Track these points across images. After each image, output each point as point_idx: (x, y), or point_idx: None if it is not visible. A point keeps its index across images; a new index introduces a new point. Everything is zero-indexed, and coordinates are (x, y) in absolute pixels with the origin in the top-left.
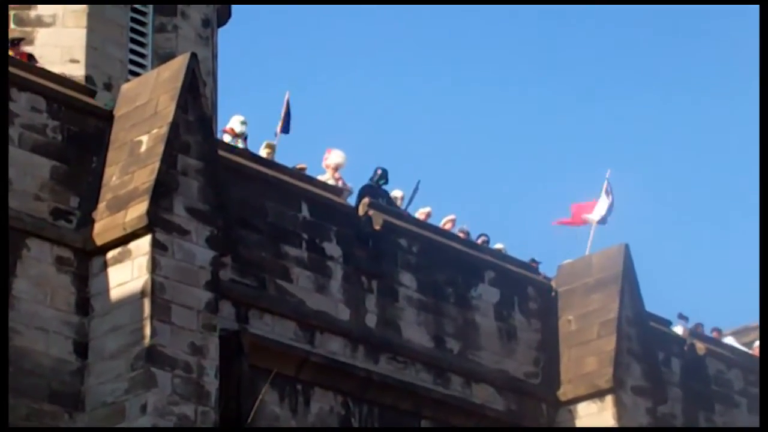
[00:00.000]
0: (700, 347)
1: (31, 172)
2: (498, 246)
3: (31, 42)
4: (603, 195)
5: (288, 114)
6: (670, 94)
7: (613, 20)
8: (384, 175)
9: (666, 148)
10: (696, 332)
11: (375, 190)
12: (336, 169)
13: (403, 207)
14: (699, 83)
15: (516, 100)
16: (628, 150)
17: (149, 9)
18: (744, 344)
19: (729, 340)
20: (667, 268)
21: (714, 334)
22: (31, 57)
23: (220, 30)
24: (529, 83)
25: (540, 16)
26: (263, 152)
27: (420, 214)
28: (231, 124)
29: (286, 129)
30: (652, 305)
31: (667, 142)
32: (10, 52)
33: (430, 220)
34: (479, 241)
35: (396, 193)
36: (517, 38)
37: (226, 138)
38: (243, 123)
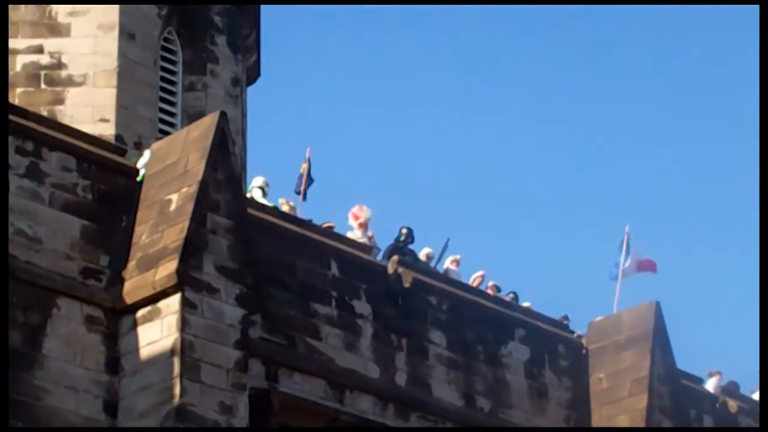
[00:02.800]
0: (732, 405)
1: (61, 231)
2: (525, 304)
3: (62, 101)
4: (623, 250)
5: (309, 175)
6: (690, 145)
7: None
8: (409, 235)
9: (695, 202)
10: (728, 389)
11: (401, 249)
12: (365, 224)
13: (432, 265)
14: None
15: (540, 154)
16: (658, 204)
17: (179, 68)
18: None
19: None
20: (698, 325)
21: None
22: None
23: (249, 89)
24: (556, 138)
25: (557, 71)
26: (283, 209)
27: (451, 262)
28: (257, 184)
29: (304, 194)
30: (683, 363)
31: (696, 196)
32: None
33: (460, 267)
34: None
35: (426, 250)
36: (540, 93)
37: (257, 193)
38: (266, 184)
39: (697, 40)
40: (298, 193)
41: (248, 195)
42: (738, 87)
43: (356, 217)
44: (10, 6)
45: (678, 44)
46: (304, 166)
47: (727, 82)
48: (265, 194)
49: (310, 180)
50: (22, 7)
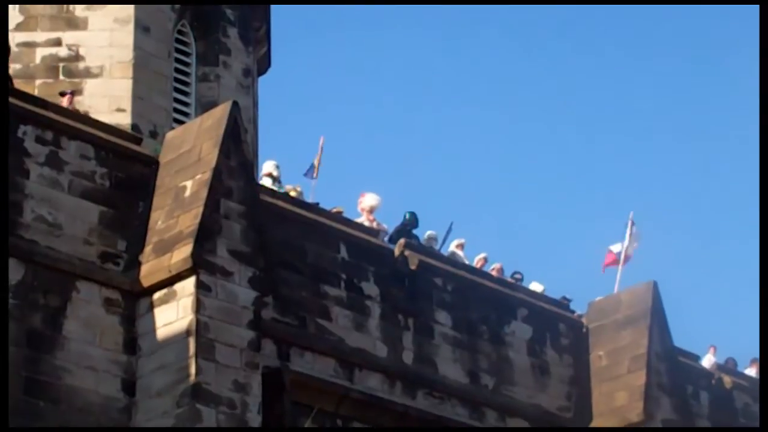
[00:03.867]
0: (728, 381)
1: (80, 217)
2: (538, 287)
3: (79, 92)
4: (627, 236)
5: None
6: (687, 140)
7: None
8: (413, 219)
9: (690, 186)
10: (724, 366)
11: (407, 234)
12: (371, 211)
13: (436, 248)
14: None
15: (544, 139)
16: (655, 188)
17: (192, 60)
18: None
19: (749, 373)
20: (694, 304)
21: (754, 366)
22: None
23: (260, 79)
24: (559, 126)
25: (559, 64)
26: (292, 195)
27: (456, 246)
28: (267, 169)
29: (311, 174)
30: (680, 340)
31: (694, 178)
32: (64, 101)
33: (464, 251)
34: (512, 279)
35: (430, 233)
36: (545, 86)
37: (267, 181)
38: (277, 167)
39: (698, 40)
40: (312, 178)
41: (261, 177)
42: (737, 87)
43: (359, 203)
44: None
45: (678, 44)
46: (318, 155)
47: (726, 81)
48: (275, 179)
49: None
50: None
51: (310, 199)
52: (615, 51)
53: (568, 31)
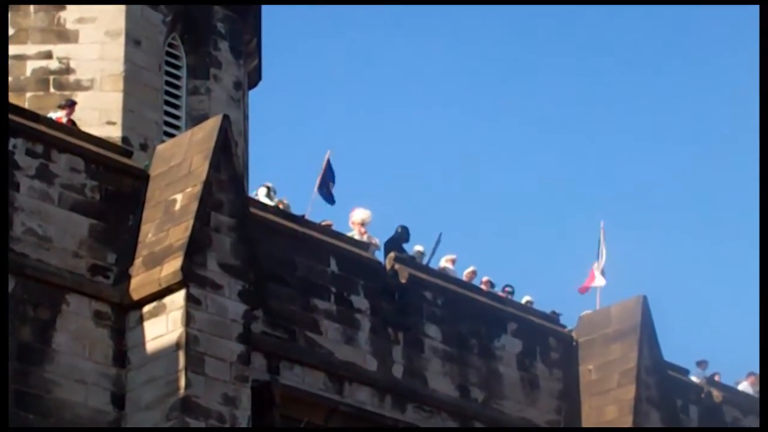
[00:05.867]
0: (717, 395)
1: (70, 230)
2: (528, 299)
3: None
4: (602, 247)
5: (330, 174)
6: (684, 145)
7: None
8: (404, 233)
9: (685, 195)
10: (712, 380)
11: (396, 247)
12: (362, 224)
13: (425, 261)
14: (702, 111)
15: (537, 151)
16: (648, 198)
17: (183, 73)
18: None
19: (744, 387)
20: (683, 318)
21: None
22: (74, 123)
23: (251, 92)
24: (553, 135)
25: (553, 72)
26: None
27: (447, 261)
28: (264, 193)
29: (330, 200)
30: (669, 354)
31: (682, 194)
32: (61, 112)
33: (455, 266)
34: (503, 292)
35: (418, 247)
36: (539, 93)
37: (262, 191)
38: (274, 191)
39: (697, 40)
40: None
41: (254, 194)
42: (737, 87)
43: (350, 217)
44: (20, 13)
45: (677, 44)
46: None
47: (726, 82)
48: (271, 199)
49: (329, 182)
50: (32, 14)
51: (308, 212)
52: (614, 52)
53: (564, 34)
